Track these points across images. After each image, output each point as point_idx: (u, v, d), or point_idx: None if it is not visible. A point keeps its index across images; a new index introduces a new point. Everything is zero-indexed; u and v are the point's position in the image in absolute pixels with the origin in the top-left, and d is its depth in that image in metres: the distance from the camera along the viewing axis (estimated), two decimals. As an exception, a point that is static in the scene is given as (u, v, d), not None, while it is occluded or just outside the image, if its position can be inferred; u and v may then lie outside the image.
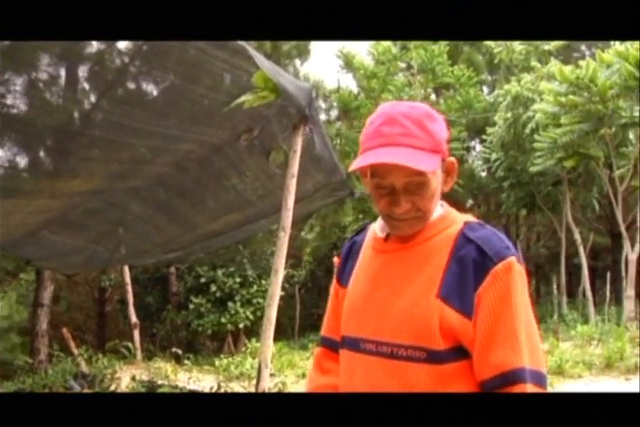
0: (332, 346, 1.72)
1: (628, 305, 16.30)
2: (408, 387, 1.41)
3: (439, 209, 1.54)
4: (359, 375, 1.50)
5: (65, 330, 11.74)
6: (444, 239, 1.48)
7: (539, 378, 1.39)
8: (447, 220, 1.52)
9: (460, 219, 1.53)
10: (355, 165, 1.43)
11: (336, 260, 1.78)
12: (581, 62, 15.85)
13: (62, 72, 3.50)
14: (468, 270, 1.41)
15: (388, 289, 1.50)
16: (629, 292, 16.45)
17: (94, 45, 3.27)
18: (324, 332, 1.78)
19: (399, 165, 1.37)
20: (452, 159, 1.52)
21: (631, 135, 17.14)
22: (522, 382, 1.37)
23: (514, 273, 1.41)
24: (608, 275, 19.74)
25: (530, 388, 1.37)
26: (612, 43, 16.00)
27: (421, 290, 1.44)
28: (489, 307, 1.39)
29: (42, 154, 4.44)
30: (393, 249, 1.54)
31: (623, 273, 17.72)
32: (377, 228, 1.61)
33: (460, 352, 1.42)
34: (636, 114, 15.73)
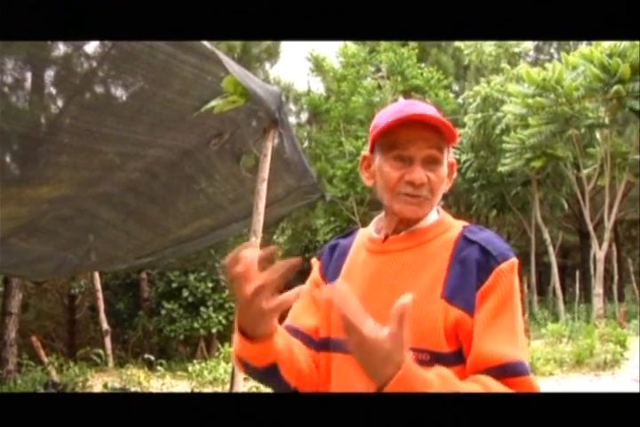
0: (293, 332, 1.59)
1: (597, 303, 16.57)
2: None
3: (435, 214, 1.56)
4: (355, 378, 1.44)
5: (34, 338, 11.58)
6: (445, 242, 1.49)
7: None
8: (445, 224, 1.54)
9: (457, 224, 1.55)
10: (388, 120, 1.44)
11: (314, 260, 1.72)
12: (548, 65, 16.10)
13: (28, 76, 3.44)
14: (471, 270, 1.42)
15: (387, 291, 1.48)
16: (598, 289, 16.73)
17: (61, 49, 3.23)
18: (288, 321, 1.65)
19: (424, 134, 1.43)
20: (453, 160, 1.56)
21: (597, 135, 17.45)
22: (525, 374, 1.38)
23: (515, 273, 1.44)
24: (577, 273, 20.06)
25: (531, 379, 1.38)
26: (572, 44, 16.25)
27: (424, 292, 1.43)
28: (491, 303, 1.40)
29: (8, 160, 4.37)
30: (392, 250, 1.53)
31: (592, 271, 18.00)
32: (372, 229, 1.61)
33: (462, 355, 1.42)
34: (602, 115, 16.02)
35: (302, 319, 1.64)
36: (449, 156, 1.53)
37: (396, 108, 1.51)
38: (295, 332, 1.61)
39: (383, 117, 1.50)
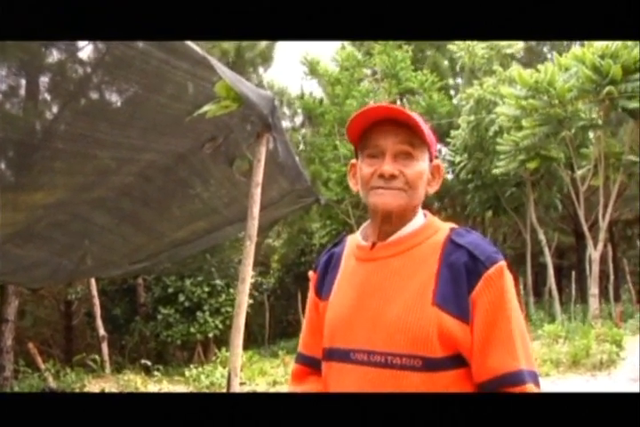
0: (309, 363, 1.71)
1: (593, 303, 16.57)
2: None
3: (422, 218, 1.56)
4: (350, 386, 1.48)
5: (31, 345, 11.55)
6: (432, 246, 1.50)
7: (536, 377, 1.42)
8: (432, 227, 1.55)
9: (444, 226, 1.55)
10: (354, 115, 1.50)
11: (311, 274, 1.75)
12: (540, 67, 16.15)
13: (22, 83, 3.46)
14: (461, 275, 1.42)
15: (378, 298, 1.49)
16: (594, 290, 16.73)
17: (55, 55, 3.25)
18: (301, 348, 1.75)
19: (393, 130, 1.48)
20: (439, 162, 1.58)
21: (591, 136, 17.51)
22: (522, 383, 1.39)
23: (505, 277, 1.44)
24: (573, 274, 20.08)
25: (531, 388, 1.39)
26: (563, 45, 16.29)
27: (415, 297, 1.44)
28: (485, 311, 1.40)
29: (3, 167, 4.38)
30: (380, 257, 1.53)
31: (588, 272, 18.01)
32: (360, 237, 1.61)
33: (457, 361, 1.42)
34: (595, 116, 16.08)
35: (311, 346, 1.70)
36: (433, 157, 1.55)
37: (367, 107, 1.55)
38: (310, 360, 1.70)
39: (356, 114, 1.54)
